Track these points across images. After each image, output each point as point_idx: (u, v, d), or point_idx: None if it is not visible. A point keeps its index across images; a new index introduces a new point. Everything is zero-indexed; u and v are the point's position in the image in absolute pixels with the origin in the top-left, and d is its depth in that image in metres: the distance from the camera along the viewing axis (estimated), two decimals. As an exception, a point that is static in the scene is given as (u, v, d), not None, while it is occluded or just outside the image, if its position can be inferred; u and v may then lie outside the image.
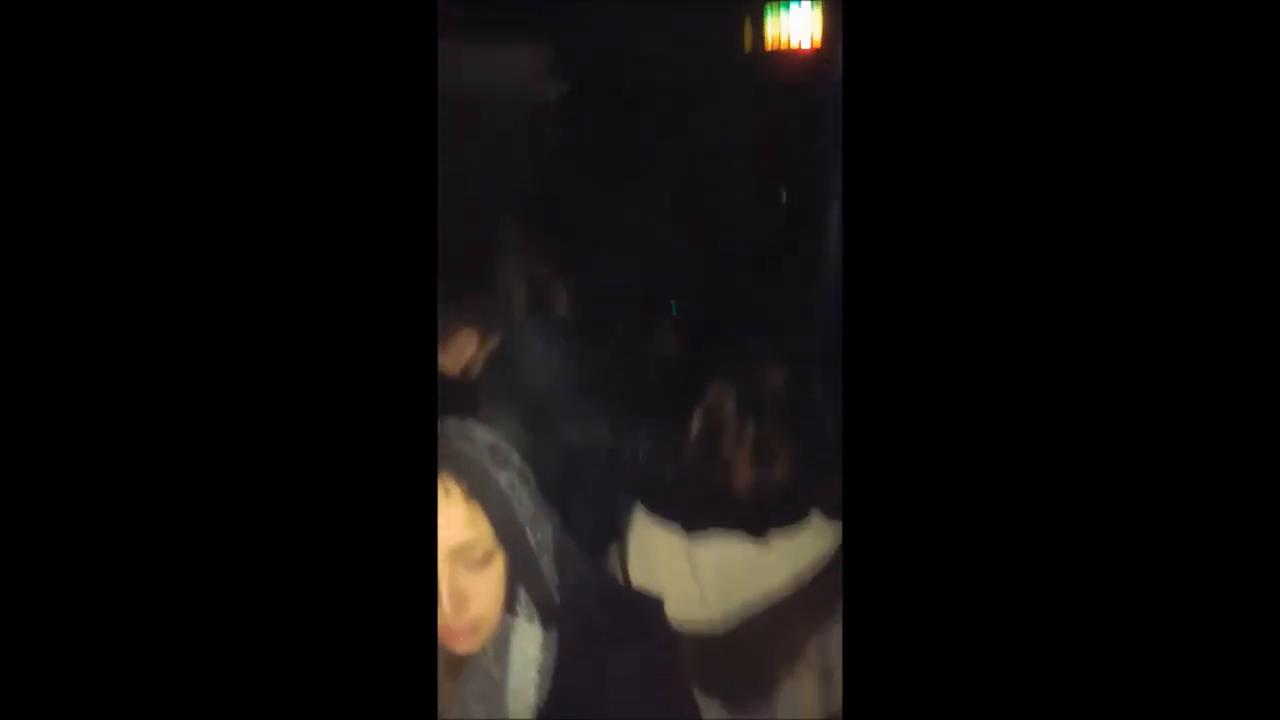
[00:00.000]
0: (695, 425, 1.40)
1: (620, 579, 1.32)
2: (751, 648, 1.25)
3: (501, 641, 0.92)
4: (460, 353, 1.80)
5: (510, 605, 0.92)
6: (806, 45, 2.95)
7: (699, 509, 1.33)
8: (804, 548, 1.29)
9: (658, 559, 1.32)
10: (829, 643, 1.22)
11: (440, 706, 0.93)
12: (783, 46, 2.95)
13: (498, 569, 0.90)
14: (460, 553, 0.88)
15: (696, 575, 1.28)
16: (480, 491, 0.89)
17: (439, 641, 0.90)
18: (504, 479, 0.91)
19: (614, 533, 1.39)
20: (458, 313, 1.79)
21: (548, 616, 0.93)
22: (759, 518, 1.33)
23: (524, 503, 0.91)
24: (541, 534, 0.93)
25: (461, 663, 0.94)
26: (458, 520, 0.89)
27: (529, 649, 0.92)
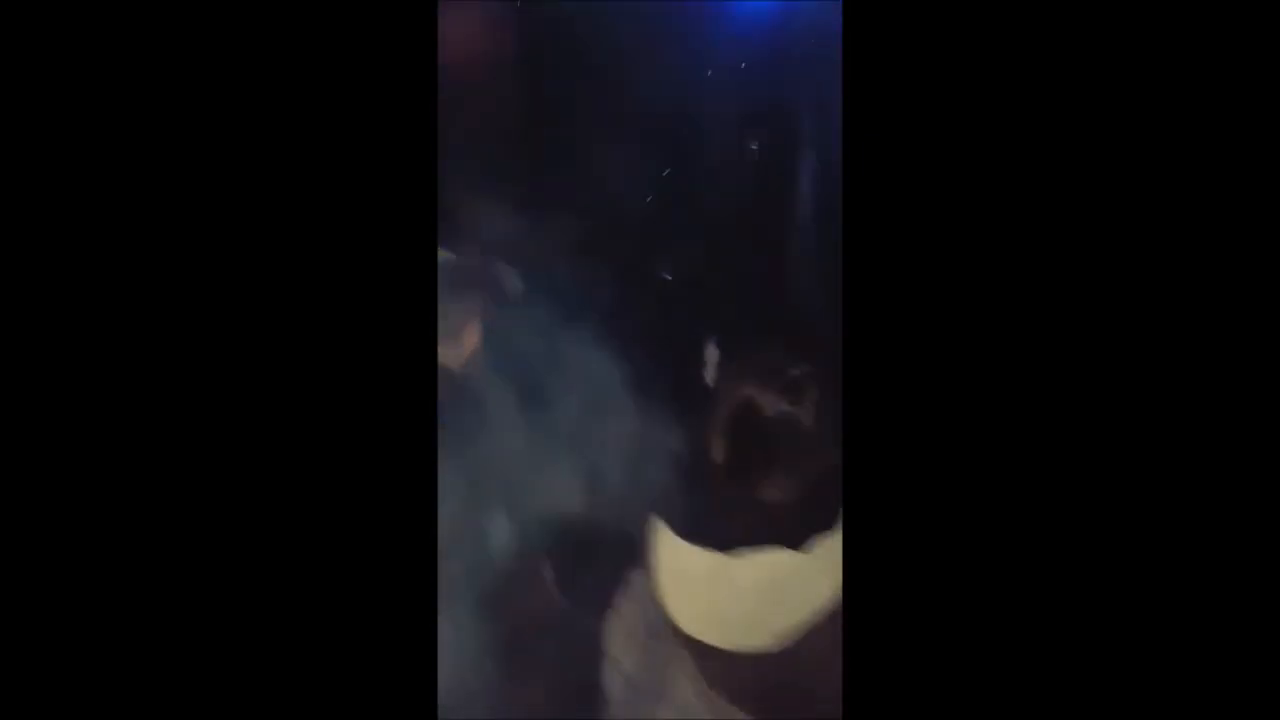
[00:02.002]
0: (716, 423, 1.32)
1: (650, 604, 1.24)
2: (806, 664, 1.20)
3: None
4: (467, 345, 1.71)
5: None
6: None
7: (729, 521, 1.26)
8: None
9: (694, 582, 1.24)
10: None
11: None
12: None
13: None
14: None
15: (740, 597, 1.21)
16: None
17: None
18: None
19: (637, 551, 1.31)
20: (460, 304, 1.69)
21: None
22: (796, 526, 1.28)
23: None
24: None
25: None
26: None
27: None
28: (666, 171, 2.88)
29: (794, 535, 1.21)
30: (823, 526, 1.24)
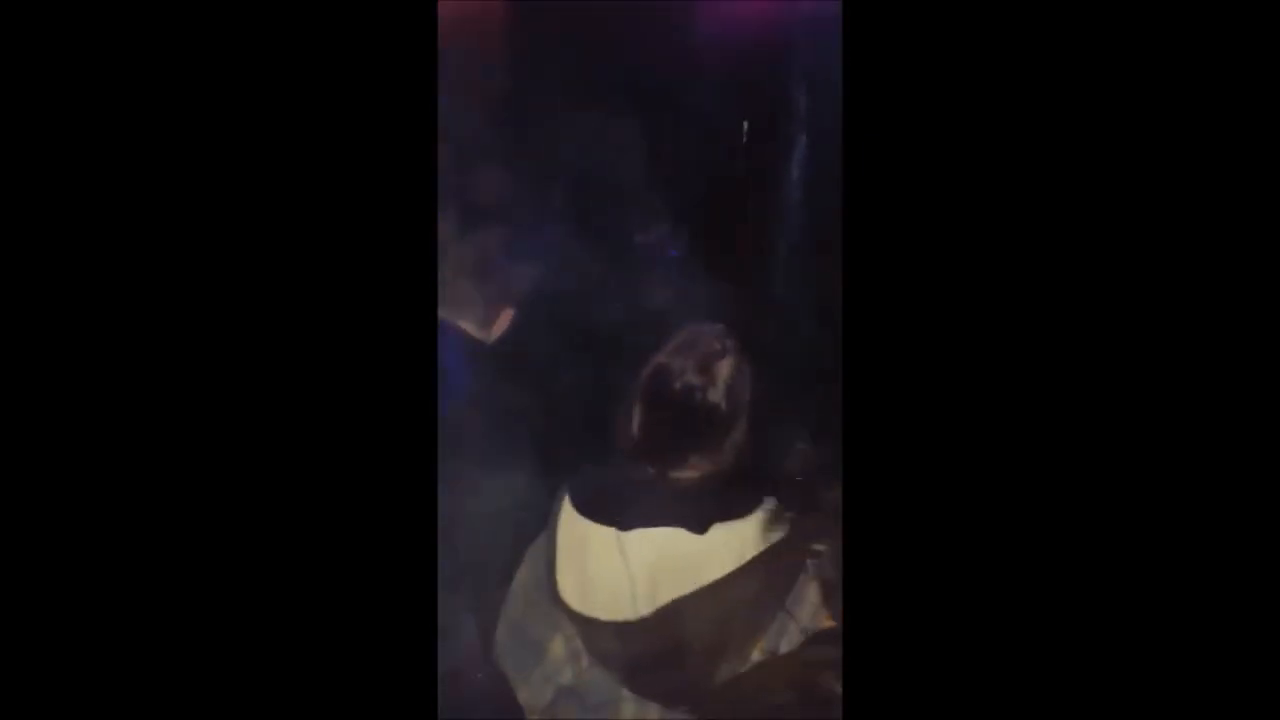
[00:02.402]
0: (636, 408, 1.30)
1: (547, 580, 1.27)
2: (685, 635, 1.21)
3: None
4: (501, 325, 1.79)
5: None
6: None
7: (636, 499, 1.25)
8: (748, 540, 1.23)
9: (584, 555, 1.25)
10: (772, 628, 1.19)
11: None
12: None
13: None
14: None
15: (631, 571, 1.22)
16: None
17: None
18: None
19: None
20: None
21: None
22: (701, 509, 1.25)
23: None
24: None
25: None
26: None
27: None
28: (746, 124, 2.87)
29: (695, 517, 1.22)
30: (725, 513, 1.24)
